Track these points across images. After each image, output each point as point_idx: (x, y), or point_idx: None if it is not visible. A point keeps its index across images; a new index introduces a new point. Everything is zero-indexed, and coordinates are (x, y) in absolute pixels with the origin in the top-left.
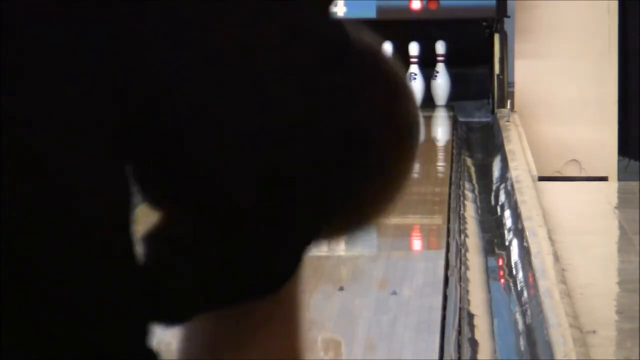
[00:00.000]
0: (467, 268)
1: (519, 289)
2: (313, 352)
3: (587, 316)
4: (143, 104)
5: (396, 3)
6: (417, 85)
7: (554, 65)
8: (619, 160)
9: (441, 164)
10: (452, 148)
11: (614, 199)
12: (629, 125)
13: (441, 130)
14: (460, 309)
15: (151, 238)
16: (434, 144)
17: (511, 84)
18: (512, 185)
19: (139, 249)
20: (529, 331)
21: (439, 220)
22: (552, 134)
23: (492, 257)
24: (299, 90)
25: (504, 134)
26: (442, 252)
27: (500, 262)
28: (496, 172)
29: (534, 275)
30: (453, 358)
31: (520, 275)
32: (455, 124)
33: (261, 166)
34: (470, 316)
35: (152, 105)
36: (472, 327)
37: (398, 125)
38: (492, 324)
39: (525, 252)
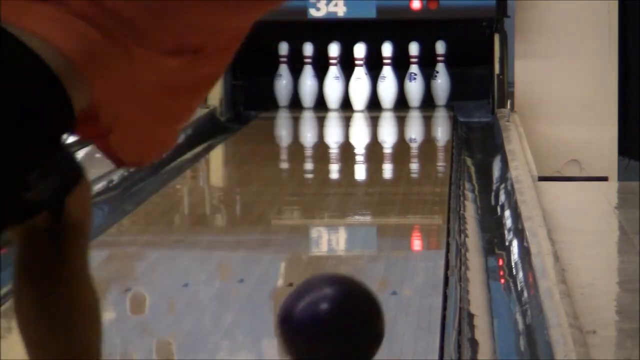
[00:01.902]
0: (467, 268)
1: (519, 289)
2: None
3: (587, 316)
4: None
5: (396, 3)
6: (417, 85)
7: (554, 65)
8: (619, 160)
9: (441, 164)
10: (452, 148)
11: (614, 199)
12: (629, 125)
13: (441, 130)
14: (460, 309)
15: None
16: (434, 144)
17: (511, 84)
18: (512, 185)
19: None
20: (529, 331)
21: (439, 220)
22: (552, 134)
23: (492, 257)
24: None
25: (504, 134)
26: (442, 252)
27: (500, 262)
28: (496, 172)
29: (534, 275)
30: (453, 358)
31: (520, 275)
32: (455, 124)
33: None
34: (470, 316)
35: None
36: (472, 327)
37: None
38: (492, 324)
39: (525, 252)
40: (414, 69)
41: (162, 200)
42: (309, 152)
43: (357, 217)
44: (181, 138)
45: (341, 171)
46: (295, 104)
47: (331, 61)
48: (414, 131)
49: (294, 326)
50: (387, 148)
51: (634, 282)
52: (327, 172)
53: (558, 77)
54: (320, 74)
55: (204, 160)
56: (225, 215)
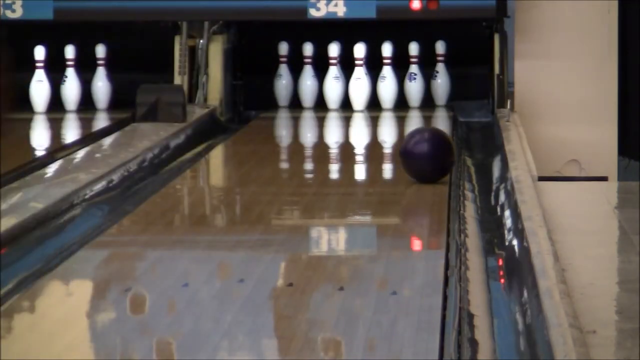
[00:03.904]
0: (467, 268)
1: (519, 289)
2: (313, 352)
3: (587, 316)
4: None
5: (396, 3)
6: (417, 85)
7: (554, 65)
8: (619, 160)
9: None
10: None
11: (614, 199)
12: (629, 125)
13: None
14: (460, 309)
15: None
16: None
17: (511, 84)
18: (512, 185)
19: None
20: (529, 331)
21: (439, 220)
22: (552, 134)
23: (492, 257)
24: None
25: (504, 134)
26: (442, 252)
27: (500, 262)
28: (496, 172)
29: (534, 275)
30: (453, 358)
31: (520, 275)
32: (455, 124)
33: None
34: (470, 316)
35: None
36: (472, 327)
37: None
38: (492, 324)
39: (525, 252)
40: (414, 69)
41: (162, 200)
42: (309, 152)
43: (357, 217)
44: (181, 138)
45: (341, 171)
46: (295, 104)
47: (331, 61)
48: None
49: (410, 156)
50: (387, 148)
51: (634, 282)
52: (327, 172)
53: (558, 77)
54: (320, 74)
55: (204, 160)
56: (225, 215)
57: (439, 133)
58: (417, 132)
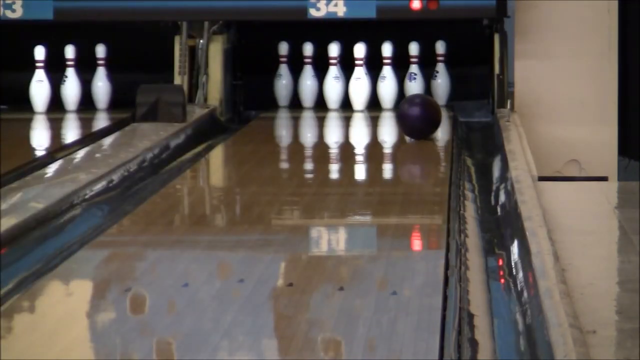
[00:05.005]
0: (467, 268)
1: (519, 289)
2: (313, 352)
3: (587, 316)
4: None
5: (396, 3)
6: (417, 85)
7: (554, 65)
8: (619, 160)
9: (441, 164)
10: (452, 148)
11: (614, 199)
12: (629, 125)
13: (441, 130)
14: (460, 309)
15: None
16: (434, 144)
17: (511, 84)
18: (512, 185)
19: None
20: (529, 331)
21: (439, 220)
22: (552, 134)
23: (492, 257)
24: None
25: (504, 134)
26: (442, 252)
27: (500, 262)
28: (496, 172)
29: (534, 275)
30: (453, 358)
31: (520, 275)
32: (455, 124)
33: None
34: (470, 316)
35: None
36: (472, 327)
37: None
38: (492, 324)
39: (525, 252)
40: (414, 69)
41: (162, 200)
42: (309, 152)
43: (357, 217)
44: (181, 138)
45: (341, 171)
46: (295, 104)
47: (331, 61)
48: None
49: (406, 118)
50: (387, 148)
51: (634, 282)
52: (327, 172)
53: (558, 77)
54: (320, 74)
55: (204, 160)
56: (225, 215)
57: (428, 99)
58: (410, 98)
